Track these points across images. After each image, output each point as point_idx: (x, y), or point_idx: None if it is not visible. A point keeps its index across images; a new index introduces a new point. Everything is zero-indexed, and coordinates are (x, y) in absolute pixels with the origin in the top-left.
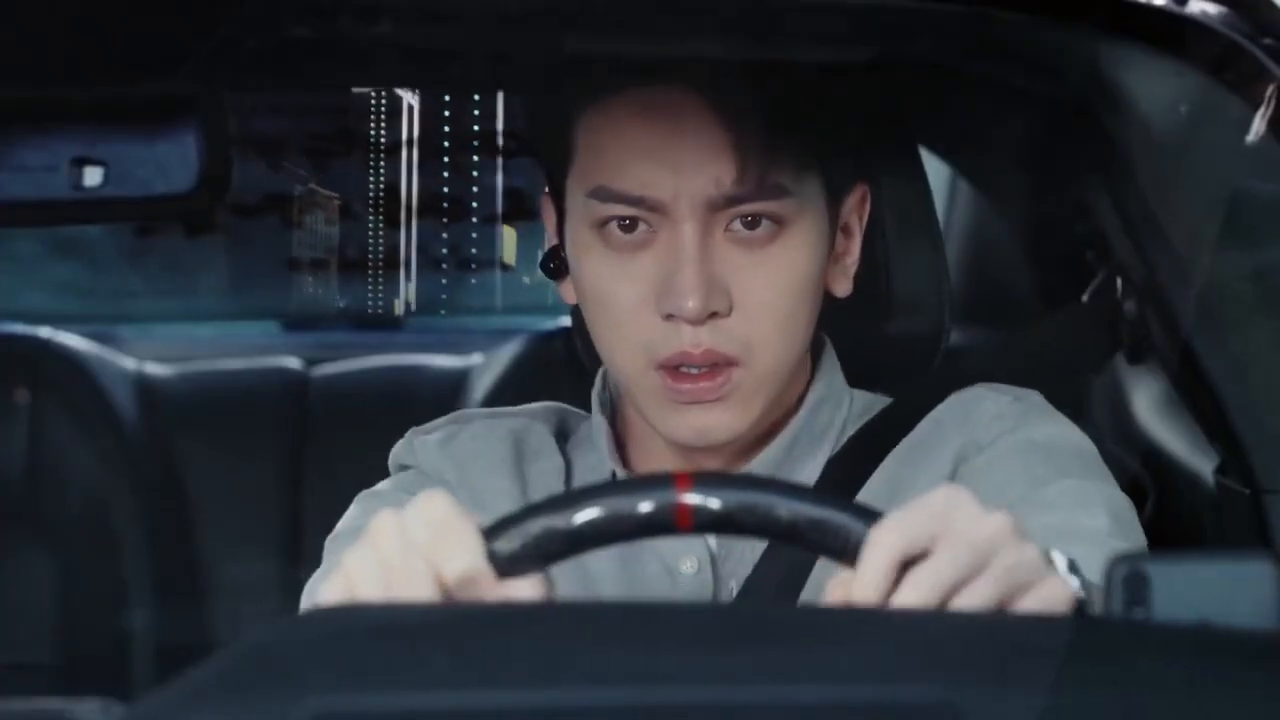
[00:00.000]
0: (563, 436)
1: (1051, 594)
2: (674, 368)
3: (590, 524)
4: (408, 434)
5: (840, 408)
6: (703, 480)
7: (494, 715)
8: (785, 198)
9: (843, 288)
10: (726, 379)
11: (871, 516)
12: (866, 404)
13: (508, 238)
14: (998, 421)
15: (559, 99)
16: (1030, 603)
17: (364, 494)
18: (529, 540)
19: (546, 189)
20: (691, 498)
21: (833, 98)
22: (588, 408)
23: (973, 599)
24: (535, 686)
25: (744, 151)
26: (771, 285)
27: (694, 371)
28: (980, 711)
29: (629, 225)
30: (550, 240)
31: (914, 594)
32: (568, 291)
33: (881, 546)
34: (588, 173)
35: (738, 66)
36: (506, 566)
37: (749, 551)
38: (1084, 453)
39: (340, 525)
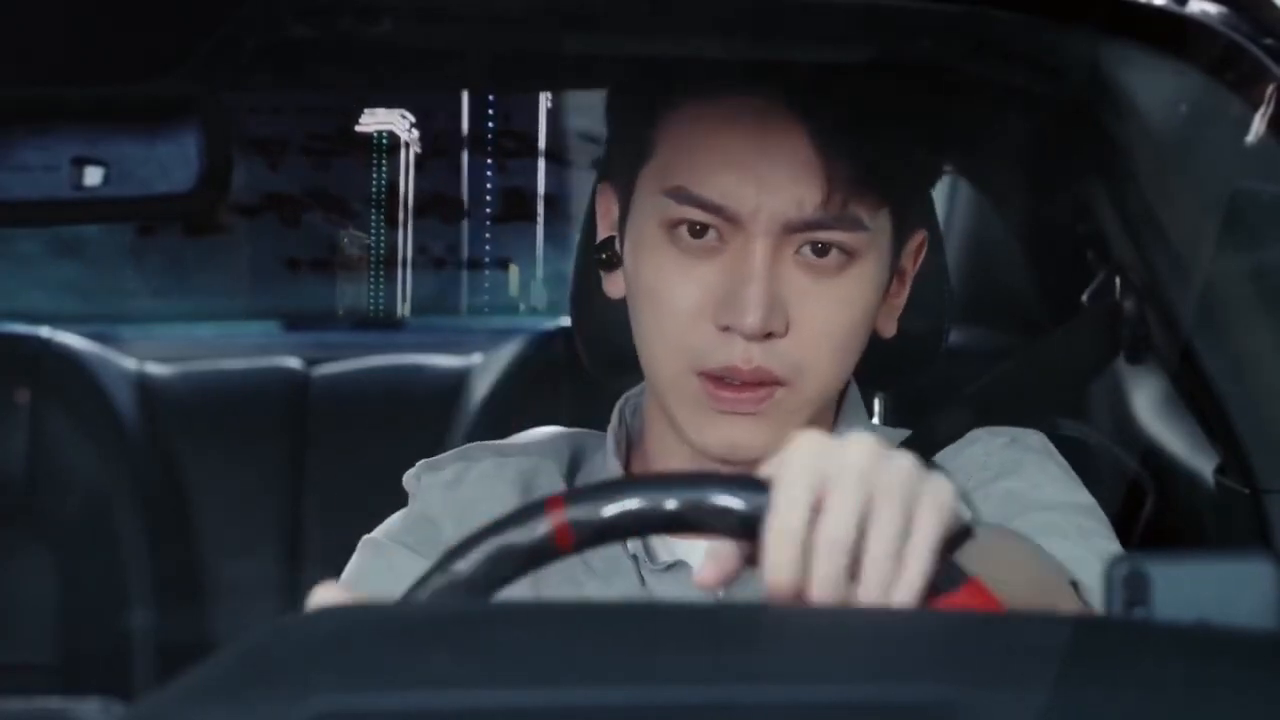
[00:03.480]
0: (575, 468)
1: (941, 492)
2: (718, 377)
3: (480, 566)
4: (419, 465)
5: None
6: (573, 497)
7: (494, 715)
8: (860, 231)
9: (889, 329)
10: (769, 395)
11: (750, 485)
12: (886, 441)
13: (511, 275)
14: (981, 471)
15: (646, 91)
16: (927, 506)
17: (365, 540)
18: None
19: (603, 179)
20: (564, 516)
21: (922, 138)
22: (587, 409)
23: (882, 528)
24: (535, 686)
25: (832, 179)
26: (830, 314)
27: (737, 382)
28: (980, 711)
29: (700, 230)
30: (604, 231)
31: (827, 559)
32: (614, 285)
33: (788, 533)
34: (667, 171)
35: (841, 98)
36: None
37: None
38: (1069, 504)
39: (343, 576)
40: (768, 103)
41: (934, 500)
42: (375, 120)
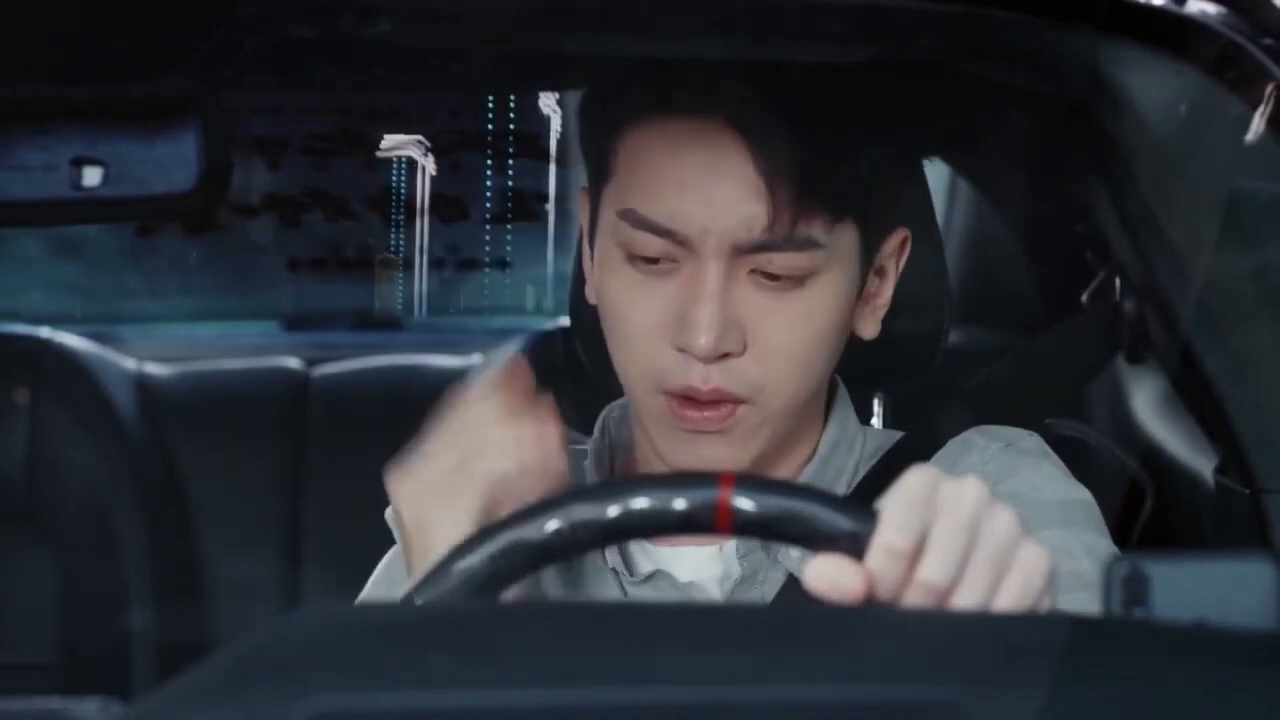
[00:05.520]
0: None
1: (1034, 562)
2: (681, 396)
3: (627, 515)
4: None
5: (853, 451)
6: (745, 482)
7: (494, 715)
8: (814, 250)
9: (870, 330)
10: (730, 413)
11: (865, 514)
12: (879, 443)
13: (529, 292)
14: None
15: (605, 111)
16: (1018, 572)
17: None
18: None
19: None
20: (732, 497)
21: (876, 151)
22: (587, 409)
23: (969, 587)
24: (535, 686)
25: (777, 201)
26: (790, 330)
27: (700, 400)
28: (980, 711)
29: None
30: (588, 236)
31: (924, 587)
32: (592, 290)
33: (891, 552)
34: (621, 192)
35: (786, 118)
36: (542, 552)
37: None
38: (1070, 502)
39: None
40: (714, 124)
41: (1025, 568)
42: (393, 146)
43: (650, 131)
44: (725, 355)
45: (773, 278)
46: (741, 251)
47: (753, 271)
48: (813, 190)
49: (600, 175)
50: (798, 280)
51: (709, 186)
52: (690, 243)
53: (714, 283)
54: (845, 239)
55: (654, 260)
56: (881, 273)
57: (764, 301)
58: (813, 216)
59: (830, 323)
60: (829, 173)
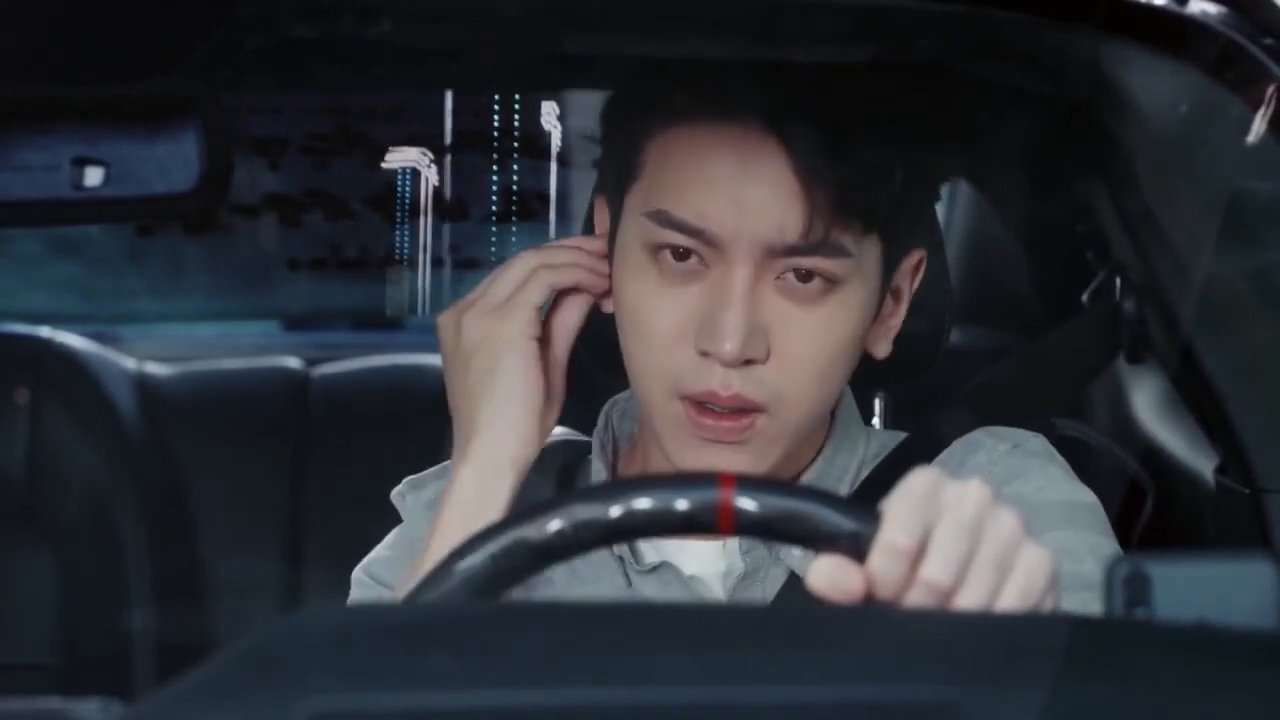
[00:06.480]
0: (565, 478)
1: (1037, 564)
2: (699, 403)
3: (628, 516)
4: (405, 483)
5: (855, 452)
6: (746, 482)
7: (494, 715)
8: (844, 258)
9: (882, 349)
10: (750, 424)
11: (867, 514)
12: (882, 443)
13: None
14: (986, 480)
15: (634, 114)
16: (1019, 572)
17: (356, 578)
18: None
19: (600, 192)
20: (734, 498)
21: (909, 164)
22: (587, 408)
23: (978, 580)
24: (535, 686)
25: (814, 205)
26: (812, 341)
27: (718, 410)
28: (980, 711)
29: (682, 254)
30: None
31: (926, 587)
32: (604, 301)
33: (893, 552)
34: (651, 194)
35: (825, 124)
36: (544, 552)
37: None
38: (1075, 504)
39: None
40: (750, 128)
41: (1028, 569)
42: (399, 158)
43: (683, 134)
44: (748, 361)
45: (803, 279)
46: (773, 255)
47: (779, 277)
48: (849, 200)
49: (626, 177)
50: (823, 291)
51: (744, 189)
52: (721, 244)
53: (743, 286)
54: (871, 253)
55: (681, 261)
56: (897, 294)
57: (789, 310)
58: (845, 226)
59: (850, 336)
60: (865, 183)
